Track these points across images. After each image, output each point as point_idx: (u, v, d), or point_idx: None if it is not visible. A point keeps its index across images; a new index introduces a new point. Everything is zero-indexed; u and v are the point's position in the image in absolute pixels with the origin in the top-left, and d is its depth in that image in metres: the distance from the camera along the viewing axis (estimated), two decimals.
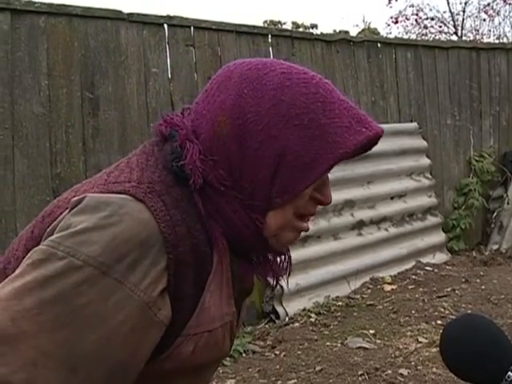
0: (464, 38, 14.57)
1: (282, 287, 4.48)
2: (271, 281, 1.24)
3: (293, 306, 4.57)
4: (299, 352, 3.84)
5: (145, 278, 0.96)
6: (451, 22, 15.63)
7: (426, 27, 15.85)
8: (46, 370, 0.89)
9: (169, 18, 4.72)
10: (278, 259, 1.22)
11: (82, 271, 0.93)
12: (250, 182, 1.07)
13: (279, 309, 4.50)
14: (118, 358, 0.95)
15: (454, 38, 14.70)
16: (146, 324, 0.98)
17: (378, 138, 1.14)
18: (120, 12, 4.46)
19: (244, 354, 3.86)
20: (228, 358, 3.64)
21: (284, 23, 7.78)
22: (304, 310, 4.56)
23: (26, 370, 0.88)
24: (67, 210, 1.04)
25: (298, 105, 1.06)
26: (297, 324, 4.35)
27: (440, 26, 15.79)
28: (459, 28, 15.43)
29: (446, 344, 1.23)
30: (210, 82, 1.15)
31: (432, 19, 15.73)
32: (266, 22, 7.63)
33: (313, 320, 4.41)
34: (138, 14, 4.56)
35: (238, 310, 1.22)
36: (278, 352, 3.90)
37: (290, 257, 1.24)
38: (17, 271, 0.97)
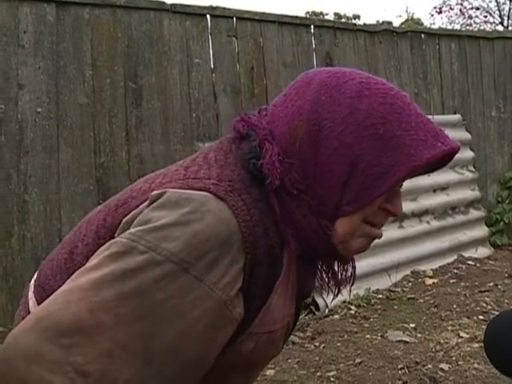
0: (510, 28, 14.29)
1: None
2: (333, 289, 1.25)
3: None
4: (339, 344, 3.83)
5: (224, 276, 0.97)
6: (497, 12, 15.37)
7: (470, 17, 15.62)
8: (121, 361, 0.90)
9: (211, 8, 4.73)
10: (343, 267, 1.23)
11: (163, 267, 0.94)
12: (321, 187, 1.08)
13: (319, 300, 4.49)
14: (191, 353, 0.96)
15: (500, 28, 14.44)
16: (222, 321, 0.99)
17: (454, 153, 1.14)
18: (163, 3, 4.49)
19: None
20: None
21: (326, 14, 7.76)
22: (344, 302, 4.55)
23: (101, 361, 0.89)
24: (145, 204, 1.05)
25: (374, 115, 1.07)
26: (337, 316, 4.34)
27: (485, 16, 15.54)
28: (505, 18, 15.14)
29: (489, 339, 1.22)
30: (289, 87, 1.18)
31: (477, 9, 15.50)
32: (308, 13, 7.61)
33: (353, 312, 4.39)
34: (181, 5, 4.58)
35: (296, 312, 1.25)
36: (317, 343, 3.89)
37: (354, 266, 1.26)
38: (93, 261, 0.98)
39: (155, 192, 1.05)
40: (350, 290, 1.31)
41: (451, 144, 1.10)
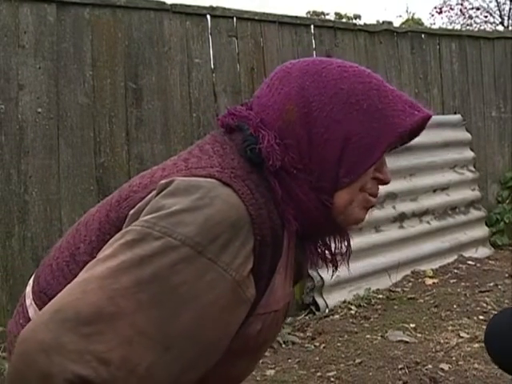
0: (511, 28, 14.29)
1: (322, 279, 4.48)
2: (330, 264, 1.32)
3: (333, 298, 4.56)
4: (339, 344, 3.84)
5: (236, 257, 1.01)
6: (497, 12, 15.36)
7: (470, 17, 15.61)
8: (141, 348, 0.92)
9: (211, 8, 4.73)
10: (339, 244, 1.31)
11: (179, 251, 0.97)
12: (318, 164, 1.16)
13: (319, 300, 4.50)
14: (209, 335, 0.99)
15: (500, 28, 14.43)
16: (236, 302, 1.02)
17: (428, 120, 1.25)
18: (163, 3, 4.49)
19: (284, 345, 3.87)
20: (268, 349, 3.65)
21: (327, 14, 7.76)
22: (344, 302, 4.55)
23: (122, 349, 0.90)
24: (152, 194, 1.08)
25: (356, 92, 1.17)
26: (337, 316, 4.35)
27: (485, 16, 15.53)
28: (505, 18, 15.14)
29: (490, 336, 1.22)
30: (270, 79, 1.28)
31: (477, 9, 15.49)
32: (308, 12, 7.60)
33: (353, 312, 4.40)
34: (181, 5, 4.58)
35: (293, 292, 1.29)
36: (317, 343, 3.90)
37: (350, 242, 1.32)
38: (106, 251, 1.00)
39: (163, 181, 1.08)
40: (348, 265, 1.36)
41: (426, 111, 1.22)
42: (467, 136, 6.22)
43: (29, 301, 1.23)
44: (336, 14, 7.73)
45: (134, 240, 0.98)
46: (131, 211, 1.10)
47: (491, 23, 15.36)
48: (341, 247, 1.31)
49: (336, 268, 1.34)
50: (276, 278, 1.14)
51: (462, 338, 3.77)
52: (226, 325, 1.02)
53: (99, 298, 0.92)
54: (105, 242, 1.08)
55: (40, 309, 1.17)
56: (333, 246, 1.31)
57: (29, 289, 1.27)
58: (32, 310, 1.21)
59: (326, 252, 1.30)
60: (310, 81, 1.19)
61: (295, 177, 1.15)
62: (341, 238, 1.31)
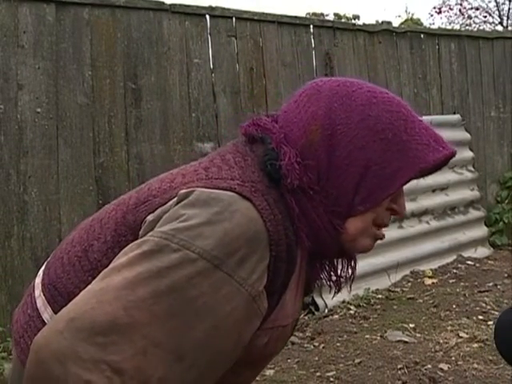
0: (510, 28, 14.29)
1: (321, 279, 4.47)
2: (334, 285, 1.33)
3: (332, 298, 4.56)
4: (338, 344, 3.83)
5: (253, 273, 1.01)
6: (496, 12, 15.36)
7: (470, 17, 15.62)
8: (155, 359, 0.92)
9: (211, 8, 4.73)
10: (345, 266, 1.31)
11: (196, 264, 0.97)
12: (336, 188, 1.15)
13: (319, 300, 4.49)
14: (222, 347, 1.00)
15: (499, 28, 14.44)
16: (250, 316, 1.03)
17: (452, 157, 1.23)
18: (162, 3, 4.49)
19: None
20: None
21: (326, 15, 7.75)
22: (343, 302, 4.55)
23: (136, 359, 0.91)
24: (172, 201, 1.09)
25: (383, 121, 1.16)
26: (336, 316, 4.34)
27: (485, 16, 15.54)
28: (504, 18, 15.15)
29: (499, 331, 1.23)
30: (299, 95, 1.24)
31: (476, 9, 15.50)
32: (308, 13, 7.61)
33: (352, 312, 4.39)
34: (180, 5, 4.58)
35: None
36: (317, 343, 3.89)
37: (355, 266, 1.32)
38: (122, 260, 1.01)
39: (184, 190, 1.09)
40: (351, 288, 1.37)
41: (451, 149, 1.20)
42: (466, 136, 6.22)
43: (37, 292, 1.24)
44: (335, 14, 7.73)
45: (152, 251, 0.99)
46: (149, 217, 1.10)
47: (490, 23, 15.38)
48: (346, 270, 1.31)
49: (339, 290, 1.34)
50: (287, 294, 1.15)
51: (461, 337, 3.77)
52: (239, 337, 1.03)
53: (115, 309, 0.92)
54: (120, 244, 1.10)
55: (48, 301, 1.19)
56: (339, 267, 1.31)
57: (38, 280, 1.28)
58: (40, 301, 1.22)
59: (332, 273, 1.31)
60: (338, 103, 1.17)
61: (311, 198, 1.15)
62: (347, 262, 1.31)
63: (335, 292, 1.34)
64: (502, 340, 1.25)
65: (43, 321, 1.17)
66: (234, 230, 1.01)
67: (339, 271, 1.31)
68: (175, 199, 1.09)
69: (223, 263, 0.99)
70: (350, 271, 1.31)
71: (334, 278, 1.31)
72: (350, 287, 1.36)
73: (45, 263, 1.32)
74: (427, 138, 1.18)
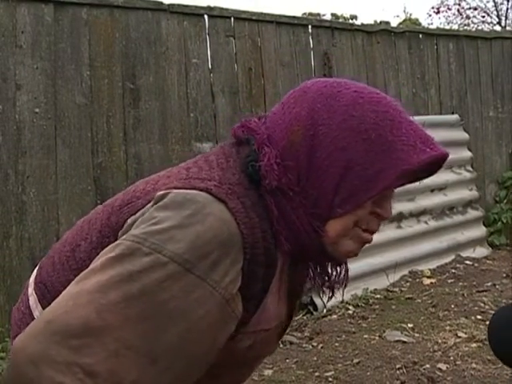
0: (508, 28, 14.30)
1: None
2: (326, 291, 1.30)
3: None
4: (337, 344, 3.83)
5: (226, 276, 1.01)
6: (494, 12, 15.38)
7: (468, 17, 15.63)
8: (128, 361, 0.93)
9: (209, 8, 4.73)
10: (336, 270, 1.28)
11: (168, 267, 0.97)
12: (315, 189, 1.13)
13: (317, 300, 4.49)
14: (195, 350, 0.99)
15: (498, 28, 14.45)
16: (224, 319, 1.02)
17: (443, 159, 1.19)
18: (161, 3, 4.49)
19: (281, 345, 3.87)
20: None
21: (323, 15, 7.75)
22: (342, 302, 4.54)
23: (109, 362, 0.92)
24: (150, 204, 1.08)
25: (367, 121, 1.12)
26: (334, 316, 4.34)
27: (483, 16, 15.55)
28: (503, 18, 15.16)
29: (493, 329, 1.22)
30: (288, 96, 1.23)
31: (475, 9, 15.51)
32: (305, 14, 7.61)
33: (351, 312, 4.39)
34: (179, 5, 4.58)
35: (289, 312, 1.29)
36: (315, 343, 3.89)
37: (347, 269, 1.29)
38: (97, 262, 1.01)
39: (160, 192, 1.09)
40: (343, 293, 1.36)
41: (440, 150, 1.15)
42: (465, 136, 6.23)
43: (30, 290, 1.26)
44: (332, 14, 7.74)
45: (124, 255, 0.99)
46: (129, 219, 1.11)
47: (488, 23, 15.38)
48: (338, 275, 1.28)
49: (332, 294, 1.32)
50: (268, 298, 1.14)
51: (459, 337, 3.77)
52: (213, 340, 1.02)
53: (88, 312, 0.93)
54: (103, 245, 1.10)
55: (39, 299, 1.22)
56: (330, 272, 1.28)
57: (32, 278, 1.29)
58: (32, 299, 1.24)
59: (323, 277, 1.28)
60: (322, 103, 1.15)
61: (291, 199, 1.13)
62: (337, 266, 1.28)
63: (328, 297, 1.32)
64: (496, 339, 1.23)
65: (34, 319, 1.18)
66: (206, 233, 1.00)
67: (330, 275, 1.28)
68: (153, 201, 1.09)
69: (195, 266, 0.98)
70: (341, 275, 1.29)
71: (325, 282, 1.29)
72: (343, 292, 1.34)
73: (39, 262, 1.34)
74: (414, 138, 1.13)
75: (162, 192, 1.08)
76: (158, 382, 0.96)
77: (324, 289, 1.30)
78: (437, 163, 1.20)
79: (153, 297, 0.95)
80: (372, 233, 1.21)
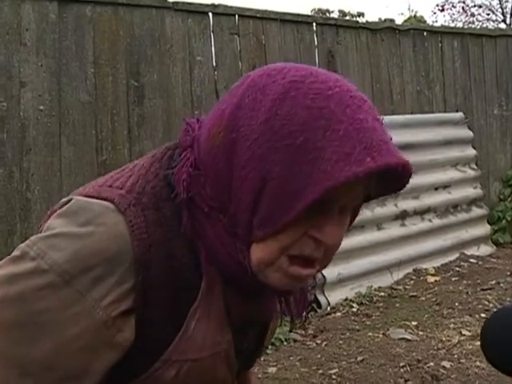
0: None
1: (324, 276, 4.48)
2: (290, 318, 1.11)
3: (335, 296, 4.56)
4: (341, 342, 3.84)
5: (107, 295, 0.90)
6: (499, 10, 15.34)
7: (473, 15, 15.61)
8: None
9: (213, 6, 4.73)
10: (293, 297, 1.09)
11: (47, 276, 0.89)
12: (233, 205, 0.93)
13: (321, 298, 4.49)
14: (68, 369, 0.91)
15: (503, 25, 14.43)
16: (102, 343, 0.92)
17: (407, 172, 0.92)
18: (165, 1, 4.49)
19: (285, 343, 3.87)
20: (270, 346, 3.65)
21: (332, 12, 7.76)
22: (346, 299, 4.55)
23: None
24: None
25: (294, 121, 0.88)
26: (338, 314, 4.34)
27: (488, 14, 15.53)
28: (508, 16, 15.13)
29: (486, 334, 1.18)
30: (231, 89, 1.00)
31: (479, 7, 15.49)
32: (313, 10, 7.62)
33: (355, 310, 4.39)
34: (183, 3, 4.58)
35: (257, 339, 1.14)
36: (319, 341, 3.90)
37: (305, 298, 1.11)
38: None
39: (64, 199, 1.01)
40: (306, 319, 1.19)
41: (385, 160, 0.87)
42: (469, 134, 6.22)
43: None
44: (340, 11, 7.75)
45: (15, 257, 0.93)
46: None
47: (493, 21, 15.36)
48: (297, 302, 1.09)
49: (305, 319, 1.14)
50: (191, 324, 0.98)
51: (463, 335, 3.77)
52: (89, 362, 0.91)
53: None
54: None
55: None
56: (290, 297, 1.08)
57: None
58: None
59: (282, 304, 1.09)
60: (250, 98, 0.92)
61: (207, 215, 0.95)
62: (281, 296, 1.07)
63: (291, 326, 1.16)
64: (493, 340, 1.19)
65: None
66: (92, 246, 0.90)
67: (291, 301, 1.08)
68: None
69: (75, 279, 0.89)
70: (300, 305, 1.09)
71: (285, 309, 1.09)
72: (305, 321, 1.18)
73: None
74: (353, 143, 0.86)
75: (65, 198, 1.01)
76: None
77: (284, 315, 1.12)
78: (404, 177, 0.94)
79: (28, 304, 0.89)
80: (310, 261, 0.94)
